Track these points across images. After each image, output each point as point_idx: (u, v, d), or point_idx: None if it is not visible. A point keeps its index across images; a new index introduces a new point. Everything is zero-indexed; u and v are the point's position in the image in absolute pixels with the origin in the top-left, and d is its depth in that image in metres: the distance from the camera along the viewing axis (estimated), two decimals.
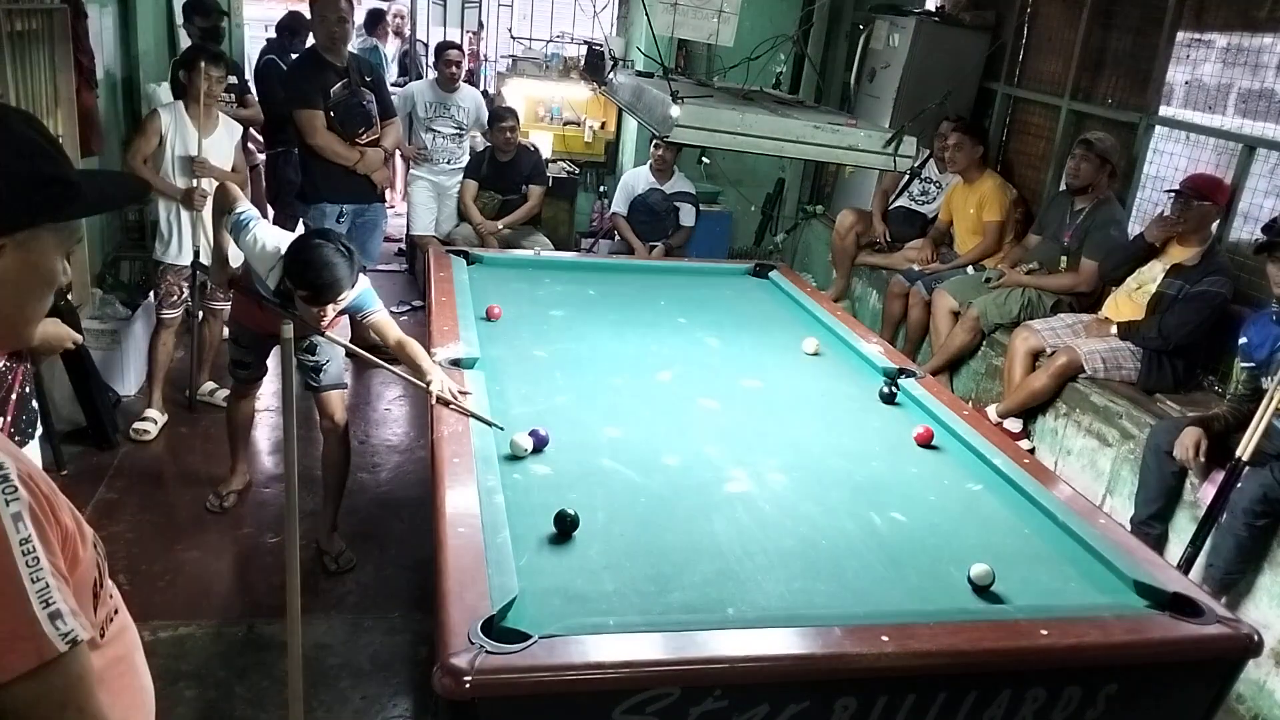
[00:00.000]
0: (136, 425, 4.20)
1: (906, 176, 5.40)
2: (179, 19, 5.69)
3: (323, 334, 3.01)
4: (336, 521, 3.46)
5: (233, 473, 3.76)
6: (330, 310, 2.94)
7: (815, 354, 3.38)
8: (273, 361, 3.69)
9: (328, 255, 2.85)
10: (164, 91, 4.83)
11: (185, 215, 4.20)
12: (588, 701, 1.67)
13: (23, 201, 1.02)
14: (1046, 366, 4.05)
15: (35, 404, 2.44)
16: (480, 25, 8.09)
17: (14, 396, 2.31)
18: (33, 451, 2.43)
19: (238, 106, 5.11)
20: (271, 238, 3.11)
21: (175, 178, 4.17)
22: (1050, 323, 4.26)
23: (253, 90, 5.78)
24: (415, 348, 2.91)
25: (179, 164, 4.17)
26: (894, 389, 3.06)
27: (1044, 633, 1.85)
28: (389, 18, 8.70)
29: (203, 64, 4.10)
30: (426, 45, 8.01)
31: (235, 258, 3.33)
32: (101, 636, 1.10)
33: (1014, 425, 4.14)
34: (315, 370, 3.32)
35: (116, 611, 1.16)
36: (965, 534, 2.29)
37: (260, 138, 5.78)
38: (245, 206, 3.20)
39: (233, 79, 4.78)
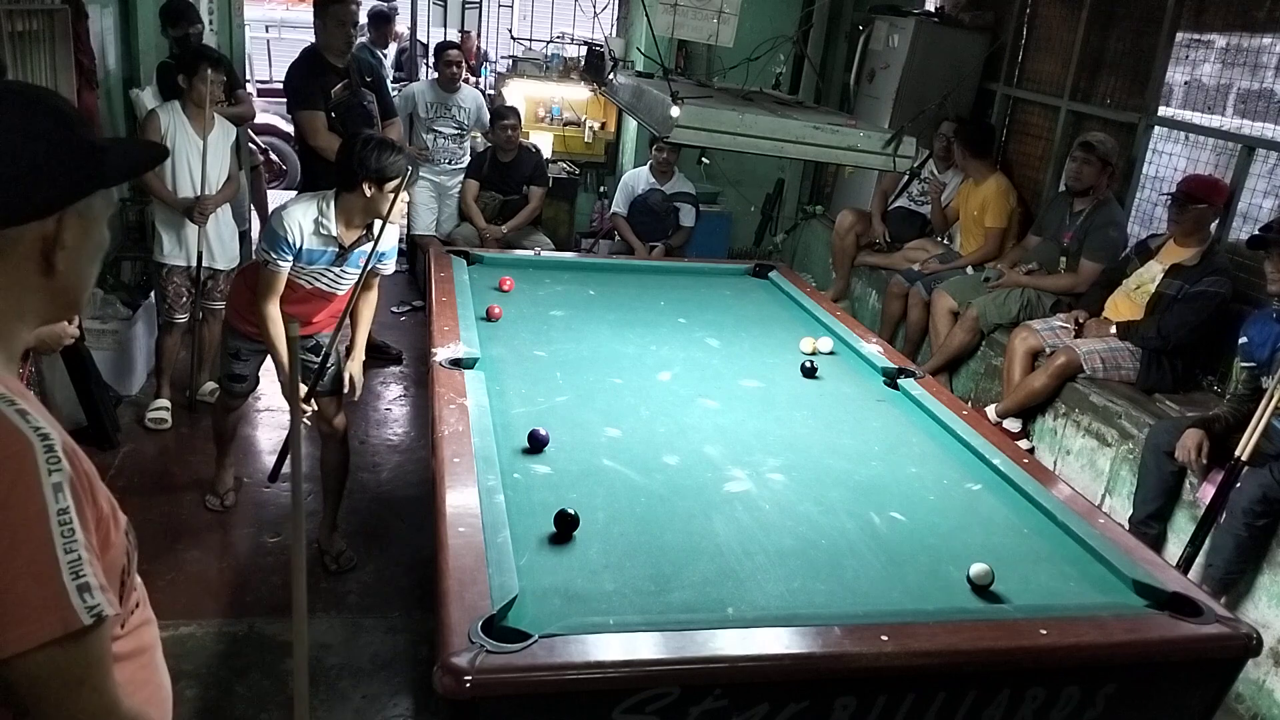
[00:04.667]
0: (151, 415, 4.27)
1: (906, 177, 5.40)
2: None
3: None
4: (336, 521, 3.47)
5: (222, 469, 3.75)
6: (401, 200, 3.04)
7: (814, 353, 3.37)
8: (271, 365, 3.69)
9: (381, 137, 3.09)
10: (148, 96, 4.81)
11: (185, 218, 4.20)
12: (588, 701, 1.68)
13: (80, 169, 1.06)
14: (1045, 366, 4.05)
15: None
16: (464, 31, 8.09)
17: None
18: None
19: (229, 104, 5.11)
20: (294, 201, 3.16)
21: (176, 179, 4.17)
22: (1049, 323, 4.26)
23: (245, 87, 5.77)
24: (368, 321, 3.37)
25: (179, 165, 4.17)
26: (814, 364, 3.19)
27: (1043, 632, 1.86)
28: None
29: (208, 70, 4.09)
30: (426, 46, 8.02)
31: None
32: (122, 627, 1.10)
33: (1013, 425, 4.14)
34: (319, 375, 3.32)
35: (139, 605, 1.16)
36: (964, 534, 2.30)
37: (257, 138, 5.77)
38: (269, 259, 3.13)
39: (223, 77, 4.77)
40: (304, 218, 3.06)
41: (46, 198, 1.03)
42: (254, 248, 5.36)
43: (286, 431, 3.71)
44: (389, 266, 3.32)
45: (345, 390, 3.32)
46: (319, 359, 3.30)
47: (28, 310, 1.08)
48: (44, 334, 2.33)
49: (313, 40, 4.74)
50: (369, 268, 3.14)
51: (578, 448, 2.52)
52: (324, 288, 3.22)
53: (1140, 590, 2.07)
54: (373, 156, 2.94)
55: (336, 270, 3.19)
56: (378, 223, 3.08)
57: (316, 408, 3.29)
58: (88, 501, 0.99)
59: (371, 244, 3.08)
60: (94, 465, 1.05)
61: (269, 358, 3.42)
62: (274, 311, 3.12)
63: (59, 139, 1.04)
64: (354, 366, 3.34)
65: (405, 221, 5.92)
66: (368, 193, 2.98)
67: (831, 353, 3.42)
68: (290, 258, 3.08)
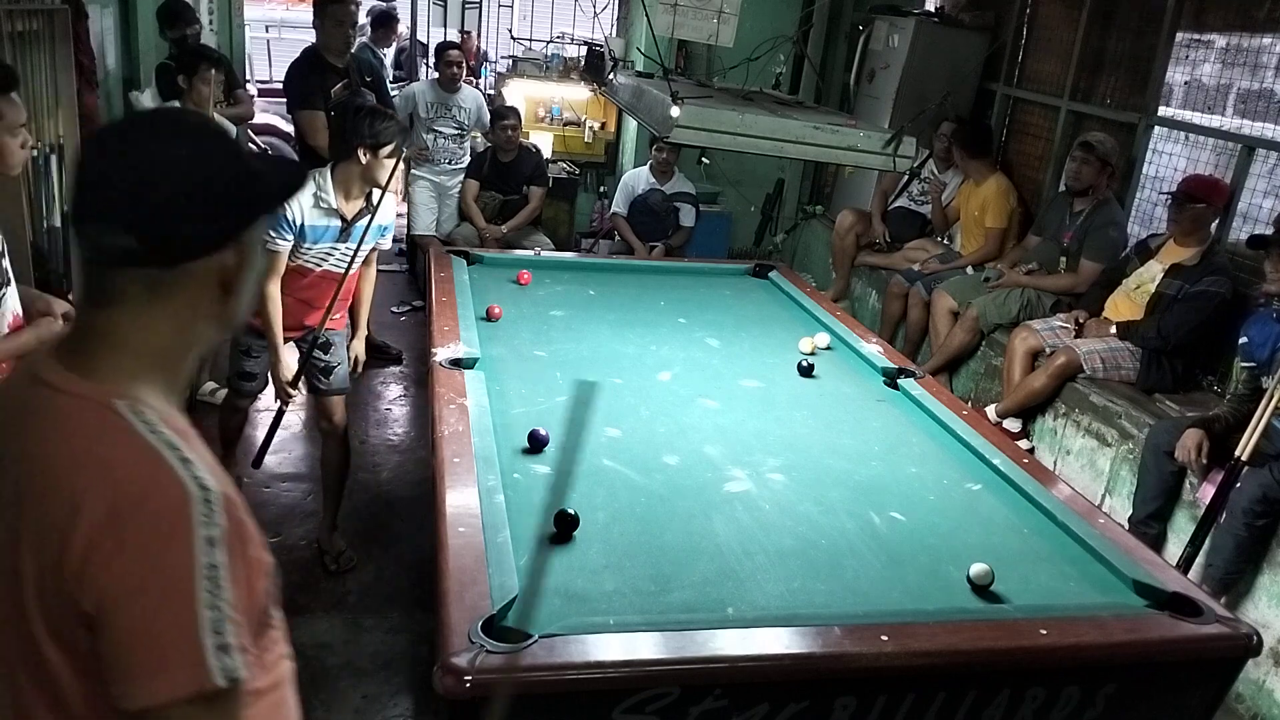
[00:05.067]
0: None
1: (906, 177, 5.40)
2: None
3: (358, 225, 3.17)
4: (336, 521, 3.46)
5: (225, 469, 3.74)
6: (397, 169, 3.09)
7: (812, 351, 3.37)
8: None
9: (375, 105, 3.14)
10: (147, 98, 4.81)
11: None
12: (588, 701, 1.68)
13: (253, 194, 1.06)
14: (1045, 366, 4.05)
15: None
16: (465, 32, 8.10)
17: None
18: None
19: (227, 104, 5.10)
20: None
21: None
22: (1049, 323, 4.26)
23: (245, 87, 5.78)
24: (369, 297, 3.47)
25: None
26: (811, 364, 3.19)
27: (1043, 632, 1.86)
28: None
29: (209, 71, 4.08)
30: (426, 46, 8.02)
31: None
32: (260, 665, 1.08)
33: (1013, 425, 4.14)
34: (325, 372, 3.31)
35: (277, 641, 1.14)
36: (964, 533, 2.30)
37: (257, 138, 5.76)
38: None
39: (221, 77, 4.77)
40: (302, 194, 3.08)
41: (231, 226, 1.04)
42: None
43: (290, 429, 3.70)
44: (388, 240, 3.38)
45: (350, 368, 3.38)
46: (326, 356, 3.31)
47: (199, 339, 1.08)
48: (46, 337, 2.33)
49: (313, 40, 4.75)
50: (370, 242, 3.19)
51: (578, 448, 2.51)
52: (332, 268, 3.22)
53: (1140, 590, 2.07)
54: (366, 123, 2.98)
55: (343, 247, 3.19)
56: (376, 193, 3.10)
57: (305, 390, 3.31)
58: (240, 555, 0.97)
59: (370, 215, 3.11)
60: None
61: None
62: (274, 292, 3.13)
63: (232, 166, 1.04)
64: (357, 345, 3.43)
65: (405, 217, 5.95)
66: (363, 159, 3.02)
67: (829, 348, 3.42)
68: (290, 236, 3.09)
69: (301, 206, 3.07)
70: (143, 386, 1.02)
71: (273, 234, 3.06)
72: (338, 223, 3.14)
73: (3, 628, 1.00)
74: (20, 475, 1.00)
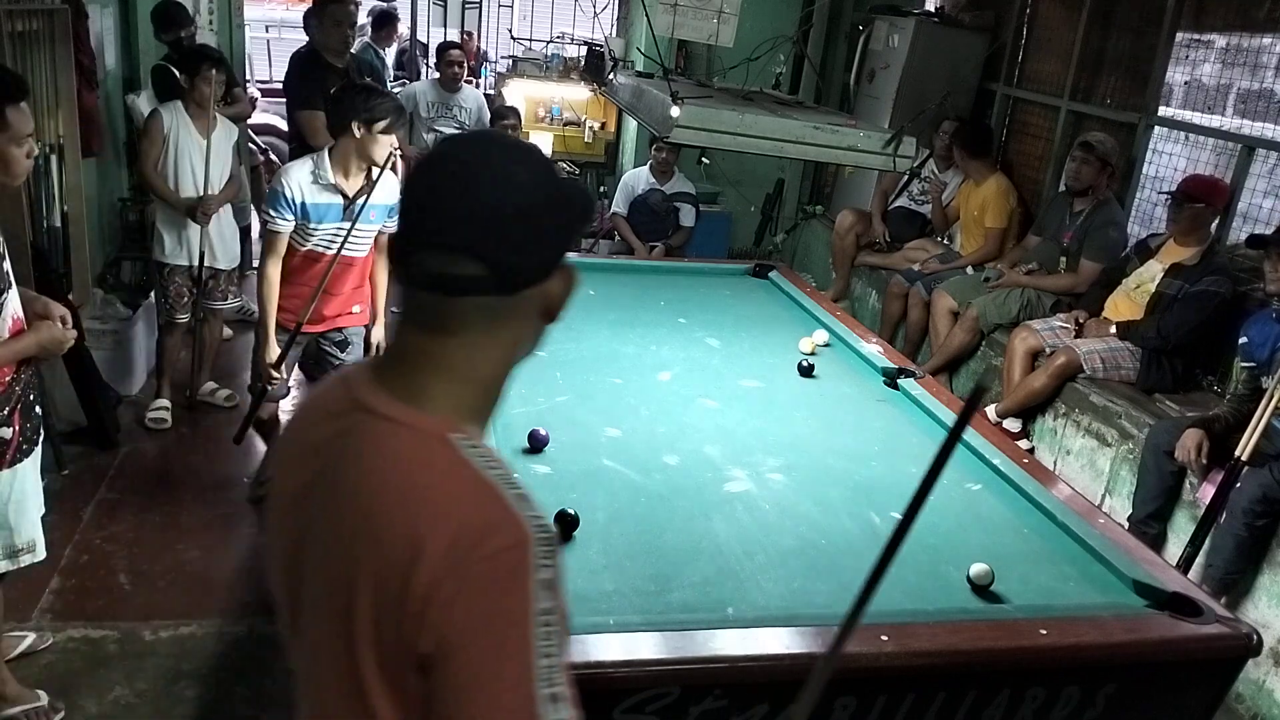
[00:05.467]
0: (151, 415, 4.26)
1: (906, 177, 5.40)
2: None
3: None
4: None
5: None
6: (395, 144, 3.13)
7: (813, 351, 3.37)
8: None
9: (369, 84, 3.22)
10: (144, 100, 4.80)
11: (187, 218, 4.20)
12: (587, 701, 1.67)
13: (577, 218, 1.04)
14: (1045, 366, 4.05)
15: (39, 409, 2.45)
16: (466, 32, 8.10)
17: (19, 406, 2.32)
18: (37, 455, 2.44)
19: (226, 104, 5.10)
20: (290, 164, 3.25)
21: (178, 179, 4.16)
22: (1049, 323, 4.26)
23: (244, 87, 5.78)
24: (383, 284, 3.45)
25: (181, 165, 4.16)
26: (810, 364, 3.18)
27: (1043, 632, 1.86)
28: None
29: (211, 71, 4.08)
30: (426, 46, 8.02)
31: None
32: None
33: (1013, 425, 4.15)
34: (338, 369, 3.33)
35: None
36: (964, 534, 2.30)
37: (257, 139, 5.76)
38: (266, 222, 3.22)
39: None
40: (300, 172, 3.13)
41: (562, 250, 1.01)
42: (254, 249, 5.36)
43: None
44: (394, 224, 3.38)
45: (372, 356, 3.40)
46: (343, 354, 3.35)
47: (517, 365, 1.04)
48: (46, 342, 2.33)
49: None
50: (378, 222, 3.24)
51: (578, 448, 2.52)
52: (345, 252, 3.23)
53: (1140, 590, 2.07)
54: (360, 99, 3.04)
55: (351, 228, 3.20)
56: (375, 171, 3.16)
57: (285, 376, 3.36)
58: (560, 599, 0.93)
59: (367, 194, 3.15)
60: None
61: (294, 357, 3.43)
62: (273, 274, 3.19)
63: (557, 188, 1.00)
64: (377, 332, 3.48)
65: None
66: (357, 134, 3.05)
67: (827, 345, 3.42)
68: (290, 216, 3.13)
69: (300, 184, 3.11)
70: (468, 418, 0.99)
71: (273, 214, 3.09)
72: (339, 200, 3.17)
73: (328, 666, 0.96)
74: (347, 505, 0.95)
